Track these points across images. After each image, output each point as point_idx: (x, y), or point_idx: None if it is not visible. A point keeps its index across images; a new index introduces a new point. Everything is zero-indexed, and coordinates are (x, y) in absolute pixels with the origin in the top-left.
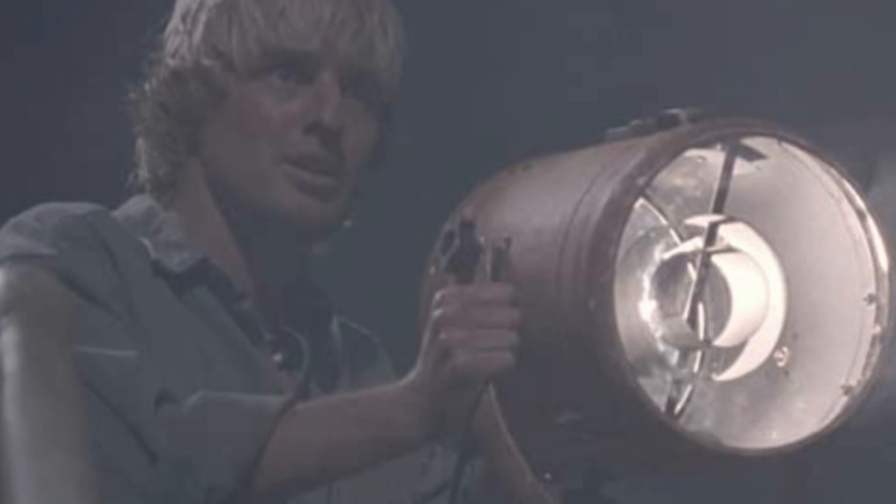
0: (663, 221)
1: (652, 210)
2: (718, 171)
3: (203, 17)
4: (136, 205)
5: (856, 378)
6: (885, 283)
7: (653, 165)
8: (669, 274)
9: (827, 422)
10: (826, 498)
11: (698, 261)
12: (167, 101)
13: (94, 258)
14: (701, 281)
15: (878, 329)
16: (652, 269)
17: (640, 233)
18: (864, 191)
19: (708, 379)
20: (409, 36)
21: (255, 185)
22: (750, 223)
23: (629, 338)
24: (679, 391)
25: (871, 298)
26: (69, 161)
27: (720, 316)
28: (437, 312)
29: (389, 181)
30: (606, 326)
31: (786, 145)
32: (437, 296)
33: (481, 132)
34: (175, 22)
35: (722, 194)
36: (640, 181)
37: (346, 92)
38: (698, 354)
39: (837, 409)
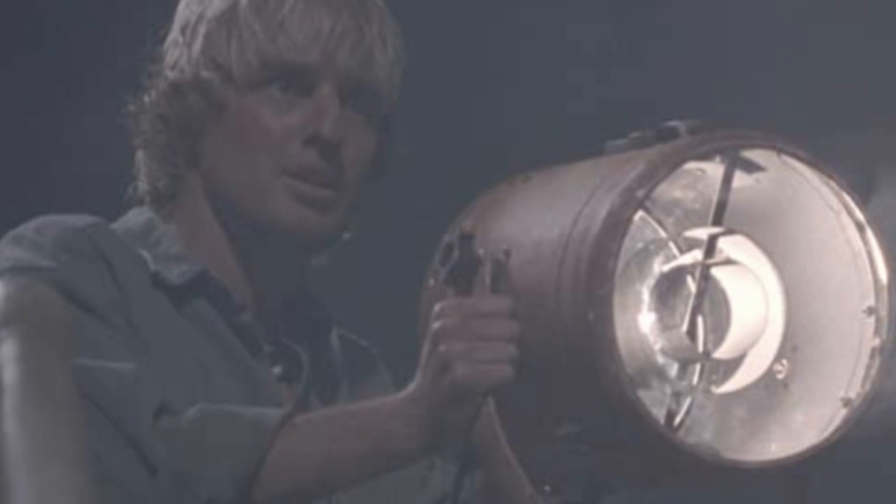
0: (662, 234)
1: (651, 222)
2: (718, 184)
3: (202, 30)
4: (136, 217)
5: (855, 390)
6: (885, 296)
7: (652, 178)
8: (669, 286)
9: (826, 434)
10: None
11: (697, 273)
12: (166, 113)
13: (94, 270)
14: (700, 293)
15: (877, 341)
16: (651, 281)
17: (640, 245)
18: (863, 203)
19: (707, 391)
20: (408, 47)
21: (255, 197)
22: (749, 235)
23: (628, 350)
24: (678, 403)
25: (870, 310)
26: (68, 173)
27: (719, 328)
28: (436, 324)
29: (389, 193)
30: (606, 339)
31: (785, 157)
32: (437, 308)
33: (481, 144)
34: (174, 34)
35: (721, 206)
36: (640, 193)
37: (345, 104)
38: (697, 367)
39: (837, 422)
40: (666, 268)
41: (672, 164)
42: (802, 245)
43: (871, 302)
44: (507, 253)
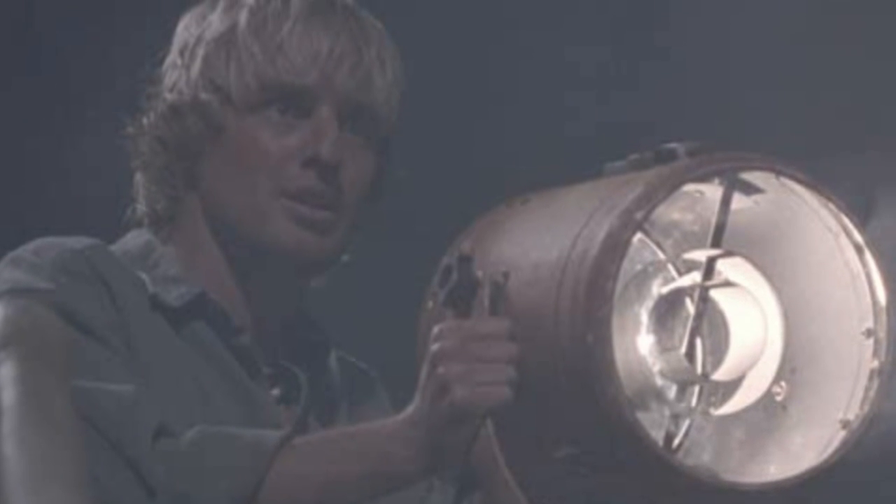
0: (661, 256)
1: (650, 244)
2: (716, 206)
3: (201, 52)
4: (134, 239)
5: (854, 412)
6: (883, 317)
7: (651, 200)
8: (667, 308)
9: (825, 456)
10: None
11: (696, 295)
12: (165, 135)
13: (92, 292)
14: (699, 315)
15: (875, 363)
16: (650, 303)
17: (638, 267)
18: (861, 225)
19: (706, 413)
20: (406, 70)
21: (253, 219)
22: (748, 257)
23: (627, 372)
24: (677, 425)
25: (868, 332)
26: (67, 195)
27: (718, 350)
28: (435, 346)
29: (387, 215)
30: (604, 361)
31: (784, 179)
32: (435, 330)
33: (479, 166)
34: (173, 56)
35: (720, 228)
36: (638, 215)
37: (344, 126)
38: (696, 388)
39: (835, 444)
40: (665, 290)
41: (671, 186)
42: (801, 267)
43: (869, 324)
44: (506, 275)
